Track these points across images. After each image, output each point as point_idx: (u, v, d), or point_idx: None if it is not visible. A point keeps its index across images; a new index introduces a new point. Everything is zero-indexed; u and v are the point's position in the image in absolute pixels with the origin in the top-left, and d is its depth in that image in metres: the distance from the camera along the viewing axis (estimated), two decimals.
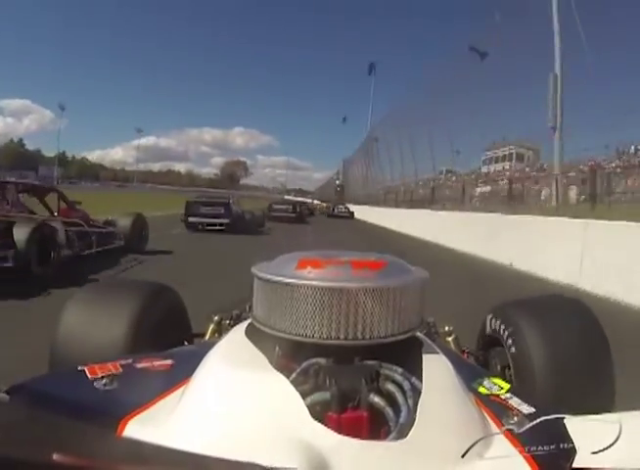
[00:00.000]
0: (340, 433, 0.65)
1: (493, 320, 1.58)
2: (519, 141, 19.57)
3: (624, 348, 2.08)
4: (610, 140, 13.16)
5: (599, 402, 1.30)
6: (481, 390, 0.92)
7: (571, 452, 0.66)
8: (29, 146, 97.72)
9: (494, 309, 1.64)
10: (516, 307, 1.57)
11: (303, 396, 0.71)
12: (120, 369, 0.91)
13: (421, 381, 0.77)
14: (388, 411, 0.72)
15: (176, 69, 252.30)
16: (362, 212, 30.12)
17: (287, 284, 0.82)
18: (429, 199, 20.74)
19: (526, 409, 0.81)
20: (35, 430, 0.42)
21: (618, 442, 0.63)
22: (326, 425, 0.66)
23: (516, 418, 0.73)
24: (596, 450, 0.64)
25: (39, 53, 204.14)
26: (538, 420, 0.68)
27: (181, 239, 10.18)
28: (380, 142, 33.44)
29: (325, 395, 0.73)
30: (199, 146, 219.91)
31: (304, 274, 0.84)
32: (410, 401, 0.72)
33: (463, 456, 0.65)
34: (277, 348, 0.88)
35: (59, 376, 1.04)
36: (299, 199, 57.54)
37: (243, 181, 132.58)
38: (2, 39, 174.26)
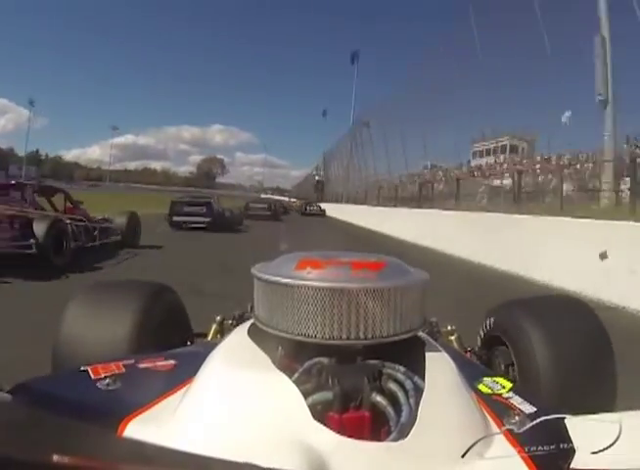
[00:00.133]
0: (341, 433, 0.65)
1: (496, 319, 1.58)
2: (512, 132, 18.57)
3: None
4: None
5: (602, 401, 1.31)
6: (484, 389, 0.92)
7: (571, 452, 0.66)
8: (4, 145, 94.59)
9: (497, 309, 1.64)
10: (518, 307, 1.58)
11: (306, 395, 0.71)
12: (123, 369, 0.91)
13: (423, 380, 0.77)
14: (390, 411, 0.72)
15: (154, 66, 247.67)
16: (342, 212, 27.78)
17: (287, 285, 0.83)
18: (417, 196, 18.49)
19: (528, 409, 0.81)
20: (37, 430, 0.42)
21: (618, 442, 0.63)
22: (328, 425, 0.67)
23: (517, 418, 0.73)
24: (596, 450, 0.64)
25: (15, 51, 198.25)
26: (538, 420, 0.68)
27: (167, 236, 10.98)
28: (372, 127, 30.27)
29: (327, 394, 0.74)
30: (177, 144, 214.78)
31: (304, 275, 0.84)
32: (412, 401, 0.73)
33: (463, 456, 0.66)
34: (279, 348, 0.89)
35: (61, 376, 1.05)
36: (276, 197, 57.42)
37: (220, 179, 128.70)
38: None
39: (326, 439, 0.64)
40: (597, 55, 11.15)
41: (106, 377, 0.87)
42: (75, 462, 0.36)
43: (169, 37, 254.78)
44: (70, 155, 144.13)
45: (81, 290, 1.48)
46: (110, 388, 0.84)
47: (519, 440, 0.69)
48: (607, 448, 0.63)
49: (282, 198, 60.18)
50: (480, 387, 0.92)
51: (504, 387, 0.92)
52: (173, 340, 1.46)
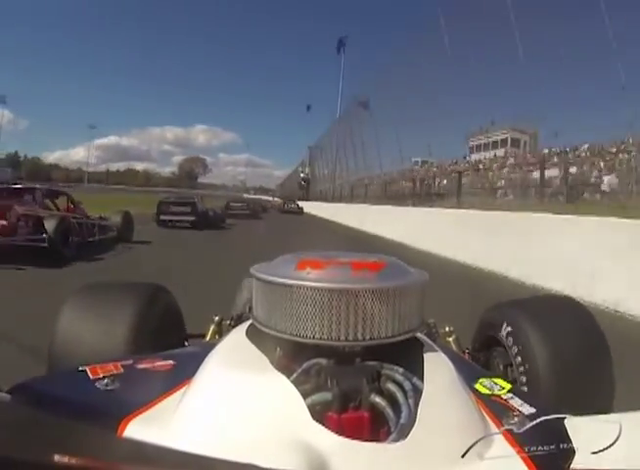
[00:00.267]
0: (340, 433, 0.65)
1: (494, 320, 1.58)
2: (513, 124, 17.72)
3: None
4: None
5: (601, 401, 1.32)
6: (482, 390, 0.92)
7: (571, 453, 0.66)
8: None
9: (493, 309, 1.64)
10: (515, 307, 1.58)
11: (304, 396, 0.71)
12: (122, 370, 0.91)
13: (422, 381, 0.77)
14: (389, 412, 0.72)
15: (136, 67, 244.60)
16: (331, 212, 25.60)
17: (286, 285, 0.82)
18: (412, 193, 16.78)
19: (527, 409, 0.81)
20: (36, 430, 0.42)
21: (618, 442, 0.64)
22: (327, 426, 0.67)
23: (516, 418, 0.74)
24: (596, 451, 0.64)
25: None
26: (538, 420, 0.69)
27: (155, 233, 11.81)
28: (371, 108, 26.88)
29: (326, 395, 0.73)
30: (161, 145, 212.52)
31: (304, 275, 0.84)
32: (411, 402, 0.73)
33: (463, 457, 0.66)
34: (278, 348, 0.88)
35: (60, 376, 1.05)
36: (259, 197, 57.51)
37: (203, 179, 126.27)
38: None
39: (325, 439, 0.64)
40: None
41: (104, 377, 0.86)
42: (75, 462, 0.36)
43: (150, 38, 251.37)
44: (53, 156, 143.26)
45: (77, 291, 1.46)
46: (108, 388, 0.83)
47: (518, 440, 0.69)
48: (607, 448, 0.64)
49: (266, 197, 60.04)
50: (479, 388, 0.93)
51: (503, 388, 0.93)
52: (170, 341, 1.45)
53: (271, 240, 11.00)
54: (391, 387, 0.76)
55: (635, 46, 11.62)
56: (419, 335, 0.94)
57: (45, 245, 6.38)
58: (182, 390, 0.83)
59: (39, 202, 7.48)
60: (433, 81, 18.15)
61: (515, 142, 18.94)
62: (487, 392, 0.91)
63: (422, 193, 16.54)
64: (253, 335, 0.90)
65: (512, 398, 0.88)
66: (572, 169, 11.28)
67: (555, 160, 12.63)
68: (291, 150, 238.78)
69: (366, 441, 0.66)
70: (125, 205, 11.60)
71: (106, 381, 0.85)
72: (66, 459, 0.35)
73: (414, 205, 14.78)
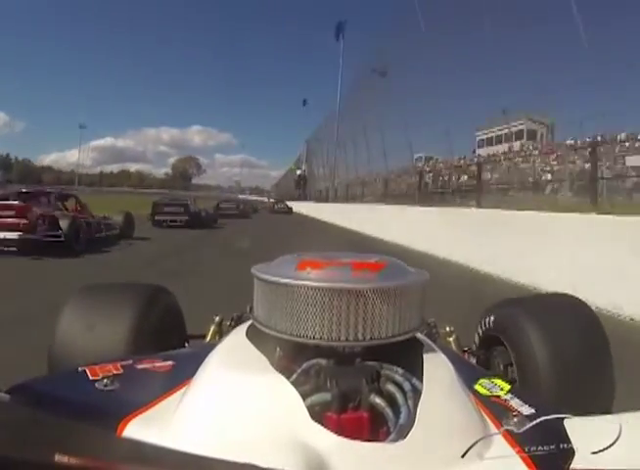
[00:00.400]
0: (340, 434, 0.65)
1: (494, 319, 1.57)
2: (528, 114, 15.22)
3: None
4: None
5: (601, 400, 1.33)
6: (482, 390, 0.92)
7: (571, 453, 0.66)
8: None
9: (494, 308, 1.63)
10: (516, 306, 1.58)
11: (304, 396, 0.71)
12: (121, 370, 0.91)
13: (421, 381, 0.77)
14: (388, 412, 0.72)
15: (132, 68, 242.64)
16: (325, 212, 23.82)
17: (287, 285, 0.82)
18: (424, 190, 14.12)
19: (527, 410, 0.81)
20: (36, 430, 0.42)
21: (618, 442, 0.64)
22: (326, 426, 0.67)
23: (516, 419, 0.74)
24: (596, 451, 0.64)
25: None
26: (538, 420, 0.69)
27: (151, 231, 13.03)
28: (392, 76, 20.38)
29: (326, 395, 0.74)
30: (157, 146, 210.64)
31: (304, 275, 0.84)
32: (410, 402, 0.73)
33: (462, 457, 0.66)
34: (278, 349, 0.89)
35: (59, 376, 1.05)
36: (255, 198, 57.45)
37: (197, 180, 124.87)
38: None
39: (324, 440, 0.64)
40: None
41: (104, 378, 0.86)
42: (75, 462, 0.36)
43: (144, 39, 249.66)
44: (50, 159, 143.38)
45: (77, 292, 1.46)
46: (108, 388, 0.84)
47: (518, 440, 0.69)
48: (607, 448, 0.64)
49: (261, 198, 59.92)
50: (478, 388, 0.93)
51: (502, 388, 0.93)
52: (171, 342, 1.45)
53: (252, 233, 13.98)
54: (391, 387, 0.76)
55: None
56: (419, 335, 0.94)
57: (61, 240, 7.71)
58: (182, 390, 0.83)
59: (53, 204, 8.76)
60: (432, 68, 15.93)
61: (531, 134, 16.32)
62: (487, 392, 0.91)
63: (451, 190, 13.99)
64: (254, 335, 0.90)
65: (511, 398, 0.88)
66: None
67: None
68: (287, 151, 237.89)
69: (365, 441, 0.66)
70: (115, 208, 12.34)
71: (105, 381, 0.85)
72: (66, 459, 0.35)
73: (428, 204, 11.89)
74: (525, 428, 0.68)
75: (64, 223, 7.92)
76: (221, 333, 1.59)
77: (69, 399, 0.79)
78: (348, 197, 25.05)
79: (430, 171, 17.09)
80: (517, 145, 15.81)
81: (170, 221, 14.88)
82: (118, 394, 0.82)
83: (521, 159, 13.24)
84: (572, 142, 11.97)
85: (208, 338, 1.61)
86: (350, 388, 0.75)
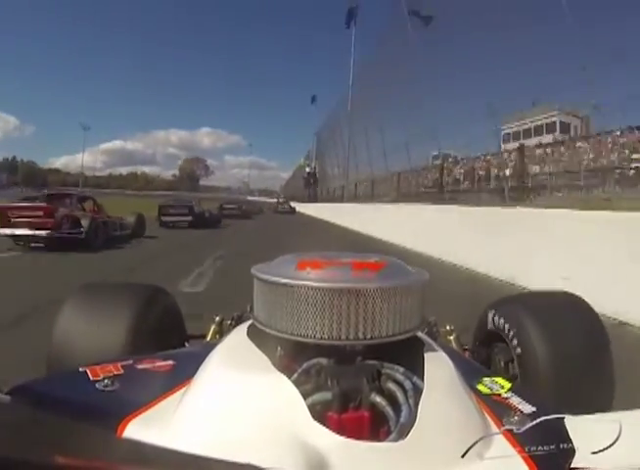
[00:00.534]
0: (341, 433, 0.65)
1: (495, 316, 1.57)
2: (562, 105, 13.95)
3: None
4: None
5: (602, 398, 1.33)
6: (482, 389, 0.92)
7: (571, 452, 0.66)
8: None
9: (495, 304, 1.62)
10: (517, 303, 1.58)
11: (305, 396, 0.71)
12: (121, 370, 0.91)
13: (422, 380, 0.77)
14: (389, 411, 0.72)
15: (141, 71, 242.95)
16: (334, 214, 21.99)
17: (286, 285, 0.82)
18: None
19: (527, 409, 0.81)
20: (36, 431, 0.42)
21: (618, 442, 0.64)
22: (327, 425, 0.67)
23: (516, 418, 0.74)
24: (596, 450, 0.64)
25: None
26: (538, 420, 0.69)
27: (159, 231, 14.05)
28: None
29: (326, 395, 0.74)
30: (166, 148, 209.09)
31: (304, 275, 0.84)
32: (411, 401, 0.73)
33: (463, 456, 0.66)
34: (278, 348, 0.89)
35: (60, 377, 1.05)
36: (264, 199, 57.82)
37: (205, 181, 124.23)
38: None
39: (325, 439, 0.64)
40: None
41: (104, 378, 0.86)
42: (75, 463, 0.36)
43: (152, 42, 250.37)
44: (60, 162, 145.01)
45: (76, 292, 1.46)
46: (108, 388, 0.84)
47: (518, 440, 0.69)
48: (607, 448, 0.63)
49: (270, 200, 60.06)
50: (480, 387, 0.93)
51: (503, 387, 0.93)
52: (171, 342, 1.45)
53: (250, 233, 15.76)
54: (392, 386, 0.76)
55: None
56: (420, 334, 0.94)
57: (83, 237, 8.71)
58: (182, 390, 0.83)
59: (74, 205, 9.75)
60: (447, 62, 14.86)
61: (564, 127, 14.77)
62: (488, 391, 0.91)
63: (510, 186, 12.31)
64: (254, 335, 0.90)
65: (512, 397, 0.88)
66: None
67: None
68: (297, 152, 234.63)
69: (366, 440, 0.66)
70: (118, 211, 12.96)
71: (106, 381, 0.85)
72: (66, 460, 0.35)
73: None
74: (525, 428, 0.68)
75: (84, 222, 8.88)
76: (221, 333, 1.60)
77: (70, 400, 0.79)
78: (373, 195, 22.35)
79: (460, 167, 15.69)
80: (548, 138, 14.28)
81: (176, 222, 16.01)
82: (119, 394, 0.83)
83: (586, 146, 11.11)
84: (619, 133, 10.48)
85: (209, 337, 1.61)
86: (351, 387, 0.75)
